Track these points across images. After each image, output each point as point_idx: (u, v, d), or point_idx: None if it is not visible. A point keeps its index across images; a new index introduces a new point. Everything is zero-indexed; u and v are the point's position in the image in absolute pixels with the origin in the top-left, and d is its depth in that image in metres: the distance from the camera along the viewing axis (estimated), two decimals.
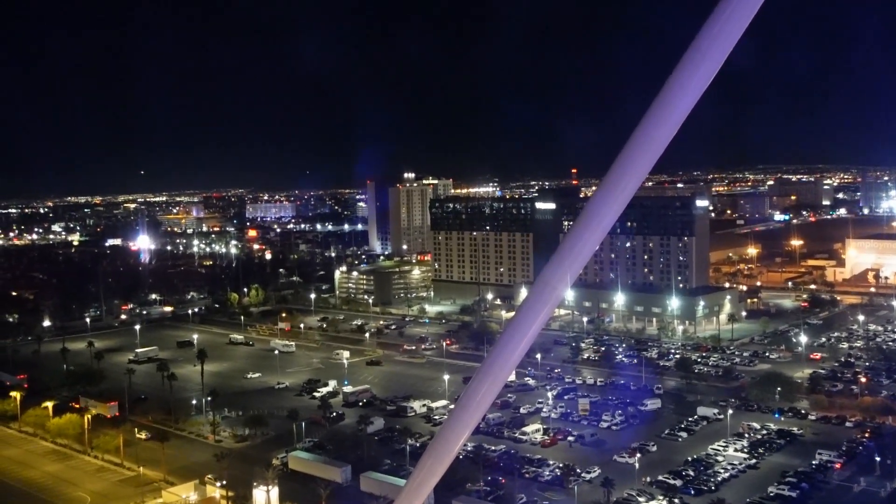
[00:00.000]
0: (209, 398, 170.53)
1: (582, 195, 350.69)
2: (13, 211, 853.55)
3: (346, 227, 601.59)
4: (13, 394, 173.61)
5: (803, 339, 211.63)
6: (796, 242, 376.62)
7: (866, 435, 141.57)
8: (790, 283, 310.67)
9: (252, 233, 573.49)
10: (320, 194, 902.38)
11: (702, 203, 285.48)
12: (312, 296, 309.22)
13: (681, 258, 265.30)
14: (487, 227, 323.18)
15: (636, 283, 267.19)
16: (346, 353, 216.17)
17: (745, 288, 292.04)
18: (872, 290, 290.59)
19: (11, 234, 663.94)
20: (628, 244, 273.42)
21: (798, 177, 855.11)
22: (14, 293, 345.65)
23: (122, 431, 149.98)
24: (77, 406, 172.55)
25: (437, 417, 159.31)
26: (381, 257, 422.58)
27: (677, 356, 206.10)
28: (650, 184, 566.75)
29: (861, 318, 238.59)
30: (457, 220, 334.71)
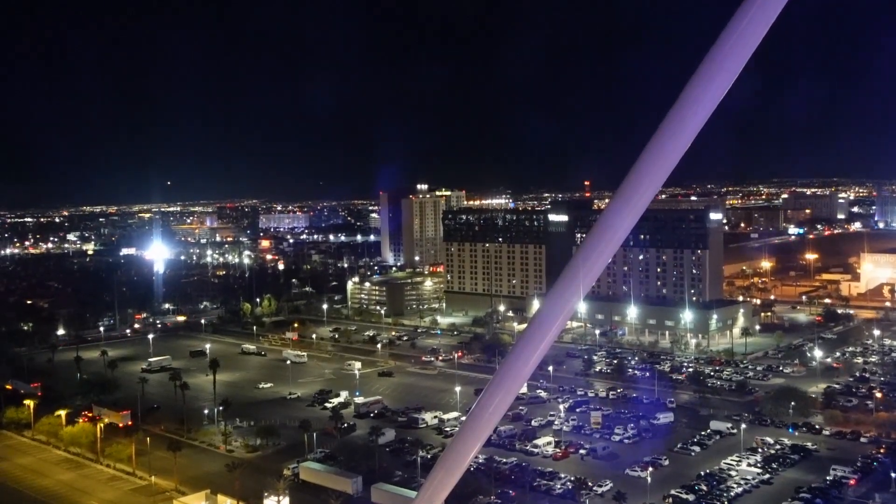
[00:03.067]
0: (221, 408, 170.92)
1: (595, 207, 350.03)
2: (29, 220, 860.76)
3: (359, 238, 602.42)
4: (27, 402, 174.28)
5: (818, 353, 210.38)
6: (811, 256, 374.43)
7: (882, 451, 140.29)
8: (804, 297, 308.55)
9: (265, 243, 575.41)
10: (333, 205, 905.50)
11: (716, 216, 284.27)
12: (325, 306, 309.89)
13: (694, 271, 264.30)
14: (500, 239, 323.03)
15: (649, 296, 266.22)
16: (358, 364, 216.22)
17: (758, 302, 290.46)
18: (888, 304, 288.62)
19: (27, 243, 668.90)
20: (641, 257, 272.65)
21: (813, 190, 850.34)
22: (29, 302, 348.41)
23: (135, 440, 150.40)
24: (90, 415, 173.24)
25: (448, 429, 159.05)
26: (394, 268, 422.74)
27: (690, 370, 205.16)
28: (664, 196, 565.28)
29: (876, 332, 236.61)
30: (469, 231, 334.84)
